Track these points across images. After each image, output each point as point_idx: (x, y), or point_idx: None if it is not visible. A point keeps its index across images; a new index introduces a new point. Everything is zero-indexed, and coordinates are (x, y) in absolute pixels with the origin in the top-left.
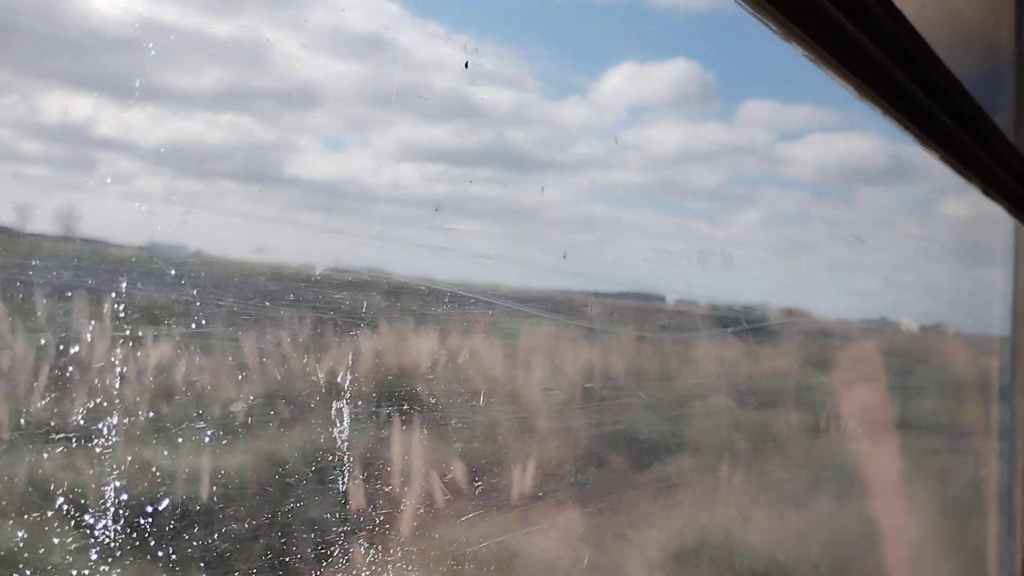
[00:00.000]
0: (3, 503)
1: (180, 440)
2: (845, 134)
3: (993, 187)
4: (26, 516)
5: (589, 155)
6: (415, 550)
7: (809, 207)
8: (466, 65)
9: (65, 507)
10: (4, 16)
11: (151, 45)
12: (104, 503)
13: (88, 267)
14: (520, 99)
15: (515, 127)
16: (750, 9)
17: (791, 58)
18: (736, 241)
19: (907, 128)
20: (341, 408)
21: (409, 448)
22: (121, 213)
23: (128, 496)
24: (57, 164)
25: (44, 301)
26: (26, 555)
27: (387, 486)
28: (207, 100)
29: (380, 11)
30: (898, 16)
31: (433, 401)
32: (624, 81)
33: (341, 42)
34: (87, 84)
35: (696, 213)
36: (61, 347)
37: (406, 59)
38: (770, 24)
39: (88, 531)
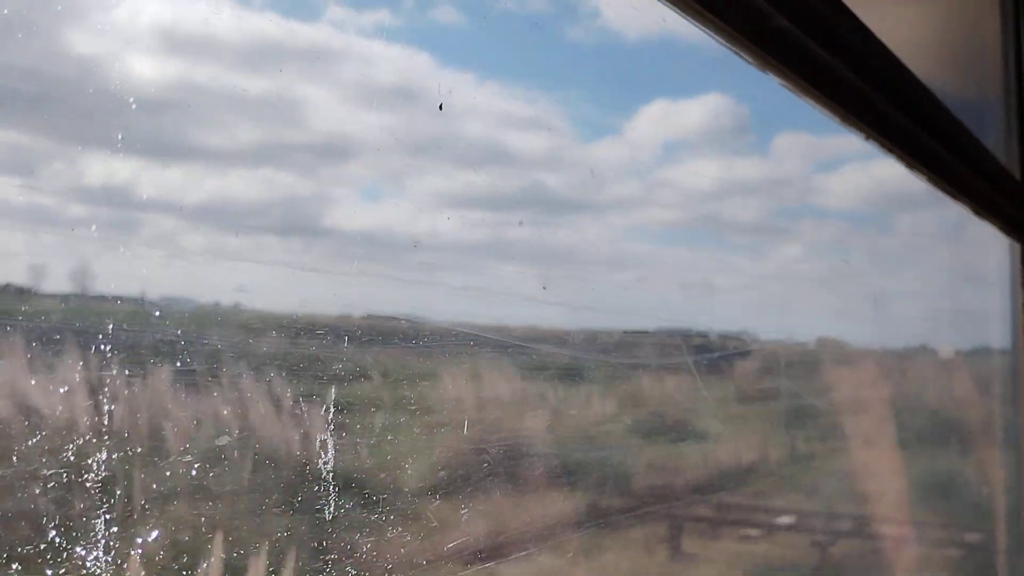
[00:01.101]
0: None
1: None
2: (880, 162)
3: (983, 207)
4: None
5: (625, 194)
6: None
7: (849, 236)
8: (440, 107)
9: None
10: (45, 86)
11: (188, 105)
12: None
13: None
14: (554, 142)
15: (549, 170)
16: (723, 41)
17: None
18: (777, 274)
19: (891, 151)
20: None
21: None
22: (167, 271)
23: None
24: (103, 226)
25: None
26: None
27: None
28: (244, 156)
29: (410, 62)
30: (872, 40)
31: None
32: (657, 119)
33: (373, 94)
34: (128, 147)
35: (736, 248)
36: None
37: (437, 108)
38: (743, 55)
39: None
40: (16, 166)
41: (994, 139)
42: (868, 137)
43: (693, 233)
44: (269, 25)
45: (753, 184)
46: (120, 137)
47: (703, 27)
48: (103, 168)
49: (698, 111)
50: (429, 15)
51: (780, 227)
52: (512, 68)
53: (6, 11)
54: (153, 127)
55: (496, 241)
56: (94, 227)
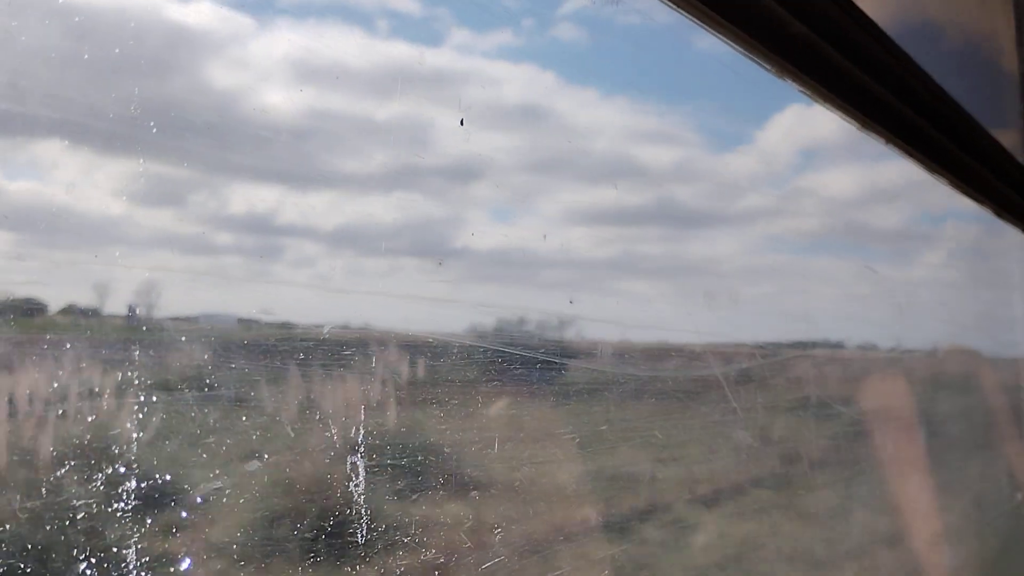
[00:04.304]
0: None
1: None
2: None
3: (1005, 209)
4: None
5: (761, 204)
6: None
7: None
8: (461, 123)
9: None
10: (190, 114)
11: (322, 133)
12: None
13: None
14: (684, 155)
15: (680, 183)
16: (740, 48)
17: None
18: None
19: (911, 155)
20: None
21: None
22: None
23: None
24: (248, 253)
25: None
26: None
27: None
28: (377, 181)
29: (535, 81)
30: (889, 44)
31: None
32: (791, 126)
33: (500, 114)
34: (268, 174)
35: (878, 255)
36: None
37: (564, 125)
38: (761, 62)
39: None
40: (167, 197)
41: (1011, 139)
42: (888, 142)
43: (834, 242)
44: (396, 51)
45: (895, 190)
46: (260, 165)
47: (719, 35)
48: (246, 196)
49: (834, 116)
50: (550, 34)
51: (923, 233)
52: (637, 82)
53: (150, 47)
54: (290, 154)
55: (627, 256)
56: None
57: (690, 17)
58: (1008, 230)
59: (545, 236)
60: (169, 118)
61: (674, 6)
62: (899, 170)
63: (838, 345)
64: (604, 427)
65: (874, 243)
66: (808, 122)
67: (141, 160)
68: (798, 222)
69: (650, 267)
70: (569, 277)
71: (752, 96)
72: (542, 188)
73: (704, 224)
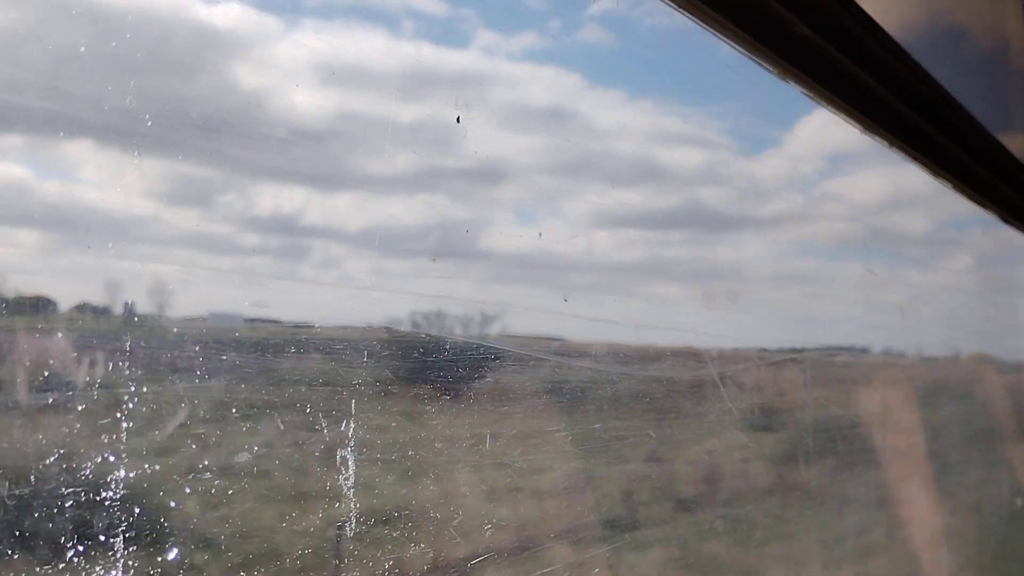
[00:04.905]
0: None
1: None
2: None
3: (1011, 214)
4: None
5: (789, 208)
6: None
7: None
8: (457, 120)
9: None
10: (216, 115)
11: (347, 134)
12: None
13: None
14: (710, 157)
15: (707, 186)
16: (743, 50)
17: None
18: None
19: (915, 159)
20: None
21: None
22: (336, 297)
23: None
24: (274, 253)
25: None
26: None
27: None
28: (402, 182)
29: (560, 83)
30: (894, 46)
31: None
32: (820, 129)
33: (524, 116)
34: (293, 176)
35: (906, 261)
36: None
37: (589, 127)
38: (764, 64)
39: None
40: (194, 197)
41: (1020, 143)
42: (891, 145)
43: (862, 247)
44: (421, 53)
45: (923, 194)
46: (285, 166)
47: (722, 36)
48: (272, 196)
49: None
50: (576, 36)
51: (950, 238)
52: (663, 84)
53: (177, 48)
54: (316, 155)
55: (653, 259)
56: (265, 254)
57: (692, 18)
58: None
59: (570, 239)
60: (195, 118)
61: (676, 7)
62: (922, 175)
63: (862, 351)
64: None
65: (903, 247)
66: (837, 125)
67: (169, 160)
68: (825, 227)
69: (678, 271)
70: (594, 280)
71: (779, 98)
72: (567, 190)
73: (731, 228)
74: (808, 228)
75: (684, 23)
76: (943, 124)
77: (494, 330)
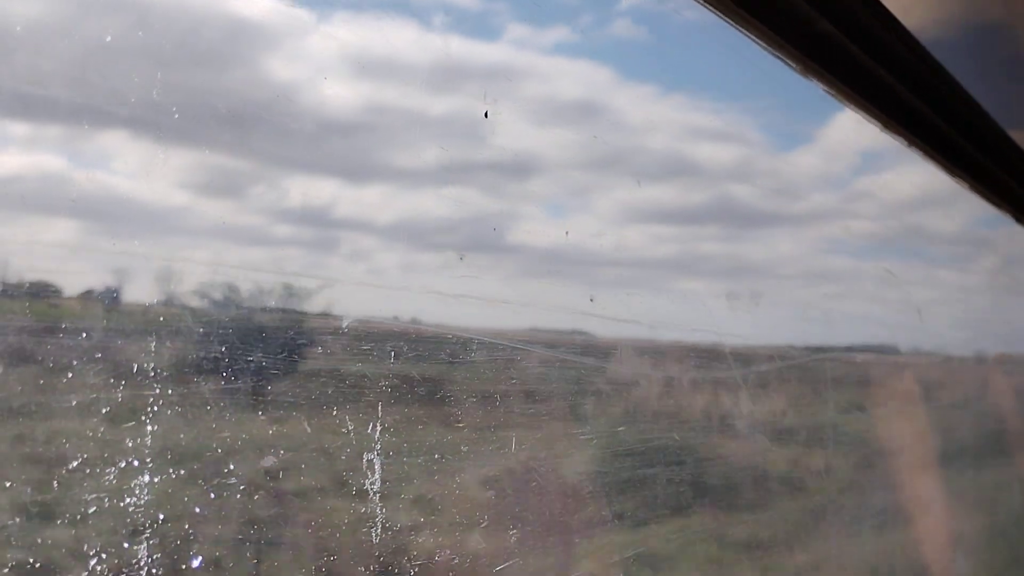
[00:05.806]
0: None
1: None
2: None
3: None
4: None
5: (821, 205)
6: None
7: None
8: (485, 115)
9: None
10: (247, 108)
11: (378, 127)
12: None
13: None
14: (743, 153)
15: (739, 182)
16: (765, 46)
17: None
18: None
19: (932, 158)
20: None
21: None
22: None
23: None
24: (306, 245)
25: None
26: None
27: None
28: (432, 175)
29: (591, 78)
30: (915, 45)
31: None
32: (855, 125)
33: (556, 110)
34: (324, 168)
35: (939, 259)
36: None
37: (620, 123)
38: (786, 60)
39: None
40: (226, 188)
41: None
42: (910, 144)
43: (895, 245)
44: (452, 46)
45: (957, 192)
46: (317, 159)
47: (745, 31)
48: (303, 189)
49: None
50: (608, 30)
51: (982, 237)
52: (696, 79)
53: (210, 40)
54: (346, 148)
55: (684, 255)
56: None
57: (716, 12)
58: None
59: (599, 235)
60: (226, 112)
61: (702, 2)
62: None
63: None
64: None
65: (935, 246)
66: (869, 122)
67: (201, 152)
68: (859, 224)
69: (709, 267)
70: (625, 275)
71: (813, 94)
72: (598, 184)
73: (763, 224)
74: (840, 225)
75: (713, 19)
76: (960, 123)
77: (522, 326)
